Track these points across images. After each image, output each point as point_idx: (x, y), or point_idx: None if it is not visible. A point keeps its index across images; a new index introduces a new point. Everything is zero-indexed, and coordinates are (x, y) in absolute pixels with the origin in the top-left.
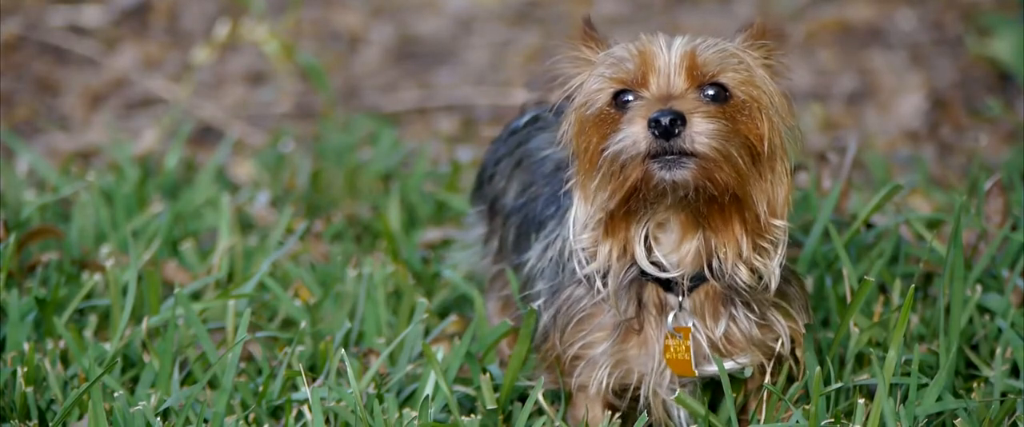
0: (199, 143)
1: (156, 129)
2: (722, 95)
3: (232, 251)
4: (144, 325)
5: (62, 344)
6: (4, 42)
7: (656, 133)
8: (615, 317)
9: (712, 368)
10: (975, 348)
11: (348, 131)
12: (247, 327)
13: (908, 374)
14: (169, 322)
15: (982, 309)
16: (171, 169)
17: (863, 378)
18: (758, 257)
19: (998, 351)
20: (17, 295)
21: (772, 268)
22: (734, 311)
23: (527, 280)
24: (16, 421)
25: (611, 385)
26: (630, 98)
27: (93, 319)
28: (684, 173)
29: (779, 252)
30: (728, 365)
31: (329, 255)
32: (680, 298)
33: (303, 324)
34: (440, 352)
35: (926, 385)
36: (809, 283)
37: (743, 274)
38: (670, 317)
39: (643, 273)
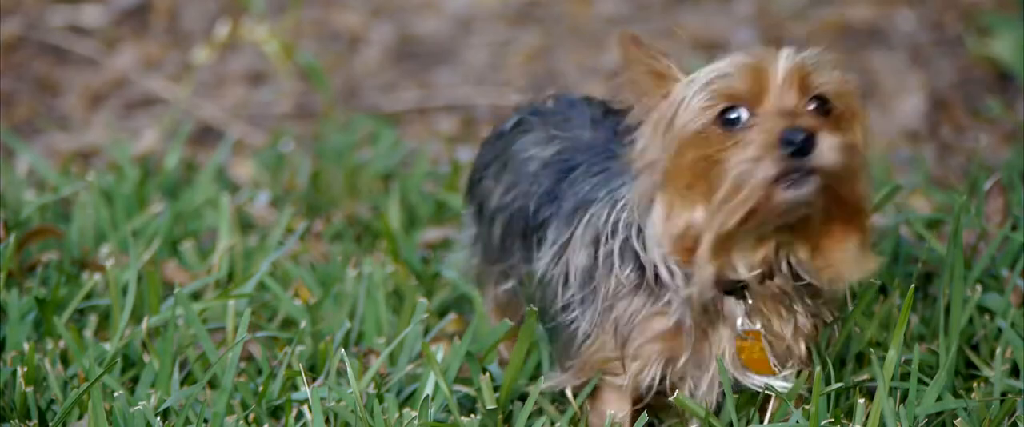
0: (199, 143)
1: (156, 129)
2: (824, 107)
3: (232, 251)
4: (144, 325)
5: (62, 344)
6: (4, 42)
7: (789, 152)
8: (678, 322)
9: (754, 380)
10: (975, 348)
11: (348, 131)
12: (247, 327)
13: (908, 374)
14: (169, 322)
15: (982, 309)
16: (171, 169)
17: (863, 378)
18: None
19: (998, 351)
20: (17, 295)
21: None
22: (796, 307)
23: (540, 287)
24: (16, 421)
25: (652, 385)
26: (741, 115)
27: (93, 319)
28: (808, 190)
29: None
30: (778, 384)
31: (329, 255)
32: (747, 302)
33: (303, 324)
34: (440, 352)
35: (926, 385)
36: None
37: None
38: (739, 320)
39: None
